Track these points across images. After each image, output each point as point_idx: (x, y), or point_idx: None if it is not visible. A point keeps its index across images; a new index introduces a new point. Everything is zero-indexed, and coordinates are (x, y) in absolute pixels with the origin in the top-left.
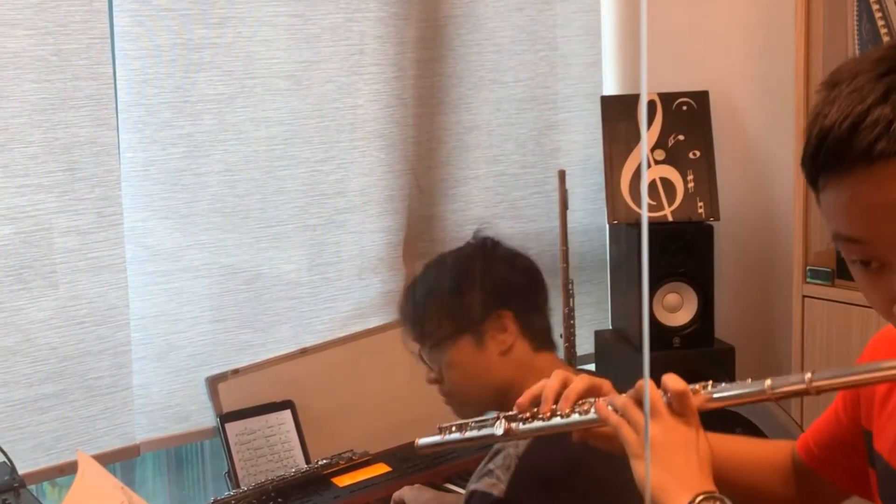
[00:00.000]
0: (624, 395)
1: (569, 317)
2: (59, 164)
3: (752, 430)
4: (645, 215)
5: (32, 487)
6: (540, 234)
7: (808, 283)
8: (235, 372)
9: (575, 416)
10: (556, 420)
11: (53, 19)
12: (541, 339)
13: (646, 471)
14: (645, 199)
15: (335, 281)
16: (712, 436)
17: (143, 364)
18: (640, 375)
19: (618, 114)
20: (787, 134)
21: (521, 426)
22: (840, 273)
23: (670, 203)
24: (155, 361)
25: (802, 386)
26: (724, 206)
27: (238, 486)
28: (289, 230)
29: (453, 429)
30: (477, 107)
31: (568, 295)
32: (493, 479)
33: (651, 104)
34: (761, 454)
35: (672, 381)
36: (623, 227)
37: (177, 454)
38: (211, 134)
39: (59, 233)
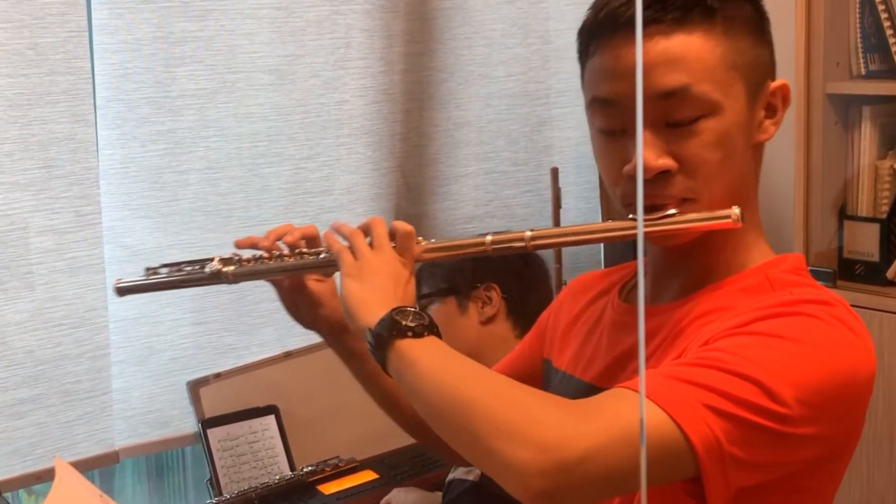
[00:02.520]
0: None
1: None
2: (35, 162)
3: None
4: (640, 214)
5: (8, 495)
6: None
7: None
8: (218, 376)
9: (294, 260)
10: (273, 263)
11: (29, 12)
12: (525, 327)
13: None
14: (640, 197)
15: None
16: None
17: (122, 368)
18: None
19: None
20: (786, 131)
21: (235, 268)
22: (842, 274)
23: None
24: (135, 365)
25: (521, 244)
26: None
27: (220, 494)
28: None
29: (160, 269)
30: (467, 102)
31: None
32: (468, 465)
33: None
34: None
35: (401, 223)
36: None
37: (157, 461)
38: (192, 130)
39: (36, 232)
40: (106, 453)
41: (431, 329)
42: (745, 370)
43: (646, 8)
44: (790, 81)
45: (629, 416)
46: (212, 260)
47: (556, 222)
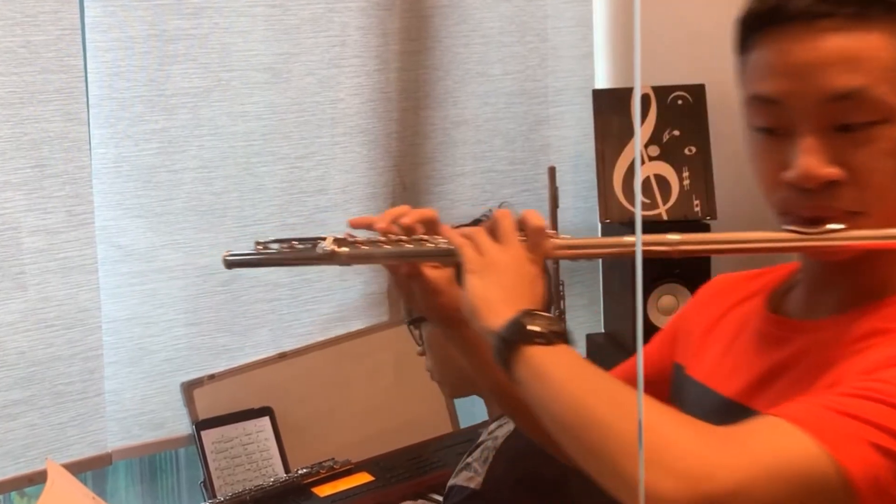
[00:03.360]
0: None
1: (559, 320)
2: (28, 161)
3: None
4: (639, 214)
5: (0, 497)
6: None
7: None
8: (212, 377)
9: (412, 246)
10: (389, 248)
11: (22, 9)
12: None
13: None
14: (639, 197)
15: (316, 282)
16: None
17: (115, 369)
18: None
19: (610, 108)
20: None
21: (350, 250)
22: None
23: (665, 201)
24: (128, 366)
25: (666, 248)
26: (722, 204)
27: (214, 496)
28: (267, 229)
29: (272, 246)
30: (464, 101)
31: (559, 297)
32: (470, 472)
33: (645, 98)
34: None
35: (532, 215)
36: (616, 227)
37: (150, 463)
38: (186, 129)
39: (28, 232)
40: (99, 455)
41: (563, 336)
42: None
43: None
44: None
45: (783, 449)
46: (324, 239)
47: (554, 222)
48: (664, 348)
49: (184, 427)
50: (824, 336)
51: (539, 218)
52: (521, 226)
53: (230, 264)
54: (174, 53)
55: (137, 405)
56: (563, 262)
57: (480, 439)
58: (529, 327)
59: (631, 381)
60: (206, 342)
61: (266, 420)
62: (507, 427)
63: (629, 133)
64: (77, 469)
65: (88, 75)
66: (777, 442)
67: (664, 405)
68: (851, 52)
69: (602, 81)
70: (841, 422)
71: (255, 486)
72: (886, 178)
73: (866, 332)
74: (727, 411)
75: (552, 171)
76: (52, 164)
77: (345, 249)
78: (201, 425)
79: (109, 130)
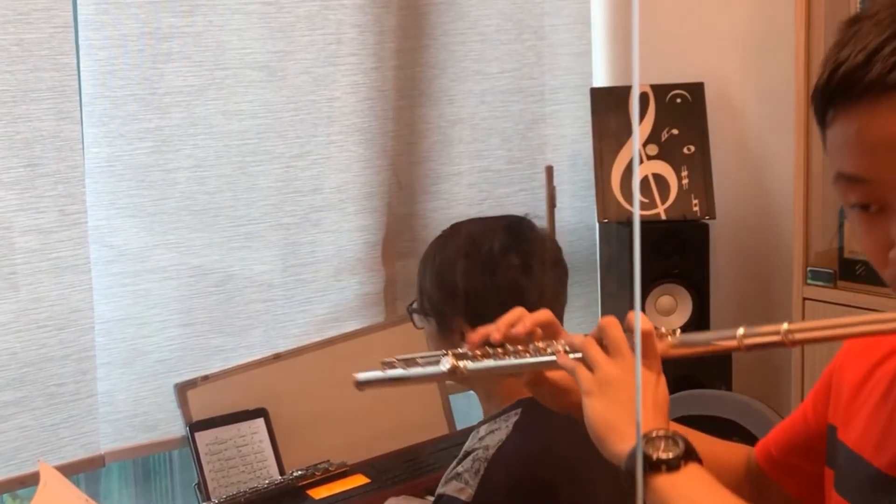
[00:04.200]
0: (584, 335)
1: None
2: (20, 160)
3: (749, 439)
4: (637, 213)
5: None
6: None
7: (808, 284)
8: (205, 378)
9: (528, 358)
10: (509, 360)
11: (14, 7)
12: None
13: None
14: (637, 196)
15: (311, 283)
16: (677, 426)
17: (108, 370)
18: None
19: (608, 107)
20: (786, 128)
21: (470, 364)
22: (842, 274)
23: (663, 201)
24: (121, 367)
25: (778, 337)
26: (721, 203)
27: (208, 499)
28: (262, 229)
29: (396, 363)
30: (460, 99)
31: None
32: (461, 483)
33: (643, 96)
34: (719, 453)
35: (641, 322)
36: (614, 226)
37: (144, 465)
38: (180, 128)
39: (20, 232)
40: (92, 457)
41: (688, 456)
42: None
43: (891, 68)
44: (789, 77)
45: None
46: (446, 354)
47: (551, 222)
48: (818, 407)
49: (177, 428)
50: None
51: (648, 322)
52: (630, 331)
53: (361, 386)
54: (168, 51)
55: (131, 406)
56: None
57: (471, 446)
58: (652, 455)
59: (785, 442)
60: (200, 343)
61: (260, 421)
62: (499, 435)
63: (627, 132)
64: (70, 471)
65: (81, 73)
66: None
67: None
68: None
69: (600, 79)
70: None
71: (250, 489)
72: None
73: None
74: (879, 484)
75: (549, 171)
76: (45, 163)
77: (466, 363)
78: (195, 427)
79: (102, 129)
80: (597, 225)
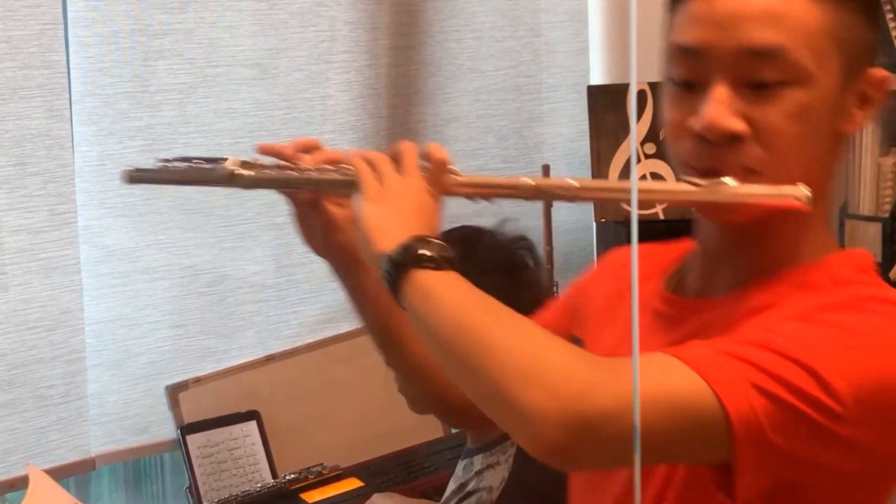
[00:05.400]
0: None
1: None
2: (9, 159)
3: None
4: (635, 213)
5: None
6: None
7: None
8: (197, 380)
9: (313, 175)
10: (293, 174)
11: (2, 4)
12: None
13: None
14: (635, 195)
15: (304, 283)
16: None
17: (98, 372)
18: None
19: (606, 105)
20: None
21: (255, 173)
22: None
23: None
24: (111, 369)
25: (566, 192)
26: None
27: (200, 502)
28: (254, 229)
29: (176, 163)
30: (455, 97)
31: (552, 298)
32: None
33: (641, 94)
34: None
35: (436, 149)
36: (611, 226)
37: (135, 468)
38: (171, 126)
39: (9, 231)
40: (82, 460)
41: (453, 262)
42: (801, 357)
43: None
44: None
45: (665, 380)
46: (227, 161)
47: (548, 221)
48: (560, 318)
49: (169, 431)
50: (718, 314)
51: (442, 151)
52: (425, 158)
53: (132, 179)
54: (159, 49)
55: (121, 409)
56: (555, 262)
57: (472, 485)
58: (420, 251)
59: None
60: (192, 344)
61: (253, 424)
62: (500, 472)
63: (625, 130)
64: (59, 474)
65: (71, 71)
66: (660, 373)
67: (554, 335)
68: (775, 9)
69: (597, 77)
70: (726, 361)
71: (242, 492)
72: (788, 141)
73: (759, 304)
74: None
75: (546, 170)
76: (34, 162)
77: (248, 172)
78: (186, 429)
79: (93, 128)
80: (594, 225)
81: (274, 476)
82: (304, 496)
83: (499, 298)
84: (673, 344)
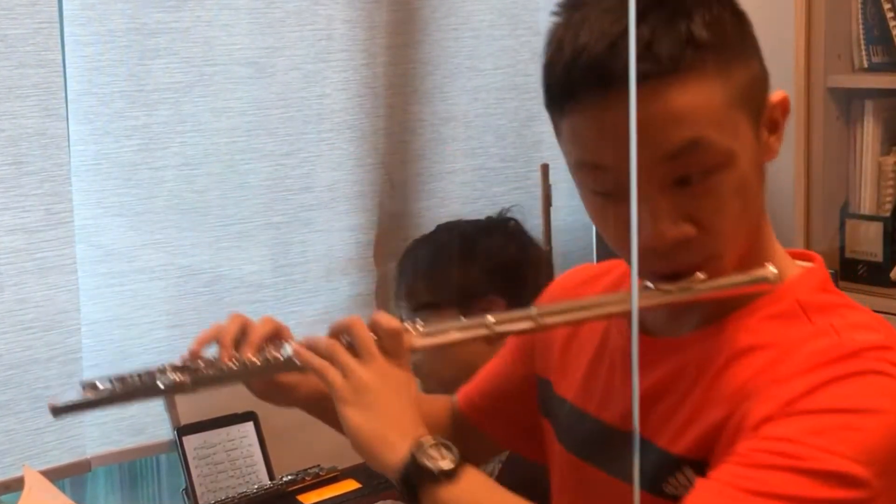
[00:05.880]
0: (324, 336)
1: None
2: (5, 158)
3: None
4: (634, 213)
5: None
6: None
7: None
8: None
9: (261, 364)
10: (236, 369)
11: None
12: None
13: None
14: (633, 195)
15: (301, 283)
16: None
17: (95, 372)
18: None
19: None
20: (786, 126)
21: (192, 377)
22: (844, 275)
23: None
24: (108, 370)
25: (530, 324)
26: None
27: None
28: (251, 228)
29: (102, 385)
30: (453, 96)
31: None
32: None
33: None
34: (424, 407)
35: (384, 318)
36: None
37: (131, 469)
38: (167, 125)
39: (5, 231)
40: (77, 461)
41: (463, 460)
42: (822, 465)
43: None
44: (789, 74)
45: None
46: (164, 371)
47: (547, 221)
48: (522, 355)
49: (165, 432)
50: (695, 352)
51: (391, 319)
52: (374, 332)
53: (57, 412)
54: (155, 47)
55: (117, 410)
56: (554, 263)
57: None
58: (429, 464)
59: (494, 394)
60: (188, 344)
61: (250, 425)
62: (492, 470)
63: None
64: (55, 476)
65: (67, 70)
66: None
67: None
68: (677, 107)
69: None
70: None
71: (239, 494)
72: (733, 219)
73: (739, 347)
74: (610, 438)
75: (545, 169)
76: (30, 162)
77: (186, 377)
78: (183, 431)
79: (89, 127)
80: (593, 225)
81: (271, 477)
82: (301, 498)
83: (501, 294)
84: (653, 387)
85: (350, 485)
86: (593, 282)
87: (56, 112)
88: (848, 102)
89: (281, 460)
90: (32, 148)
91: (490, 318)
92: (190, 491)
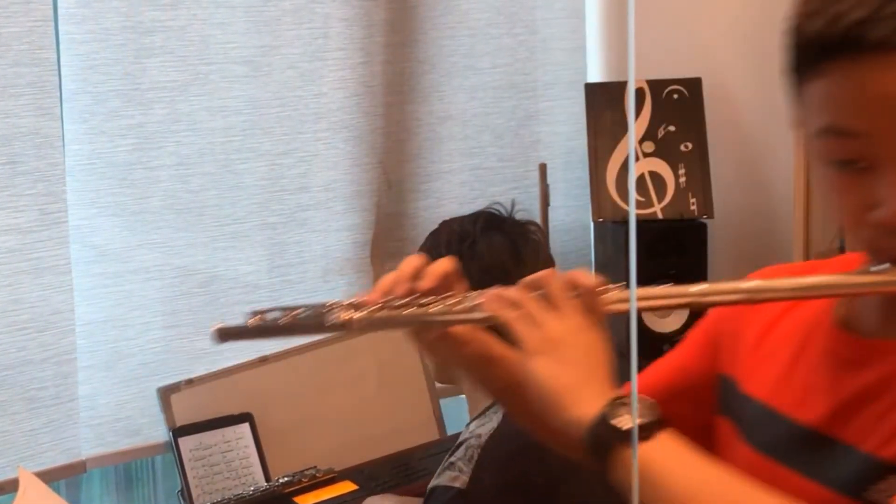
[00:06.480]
0: (514, 287)
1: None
2: None
3: None
4: (632, 212)
5: None
6: None
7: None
8: (189, 382)
9: (439, 308)
10: (412, 312)
11: None
12: None
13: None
14: (633, 194)
15: (298, 283)
16: None
17: (89, 373)
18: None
19: (603, 103)
20: (786, 125)
21: (364, 314)
22: None
23: (660, 199)
24: (102, 371)
25: (741, 296)
26: (719, 202)
27: None
28: (247, 228)
29: (268, 315)
30: (451, 95)
31: None
32: (454, 471)
33: (639, 92)
34: None
35: (583, 275)
36: (609, 226)
37: (126, 471)
38: (163, 124)
39: None
40: (72, 463)
41: (661, 421)
42: None
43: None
44: None
45: None
46: (333, 306)
47: (545, 221)
48: (702, 356)
49: (160, 434)
50: None
51: (591, 277)
52: (572, 287)
53: (223, 336)
54: (151, 46)
55: (112, 411)
56: (555, 263)
57: (462, 437)
58: (618, 423)
59: (664, 391)
60: (184, 345)
61: (246, 427)
62: (490, 424)
63: (623, 128)
64: (50, 477)
65: (62, 69)
66: None
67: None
68: None
69: (594, 75)
70: None
71: (235, 496)
72: None
73: None
74: (807, 440)
75: (543, 168)
76: (24, 161)
77: (359, 314)
78: (179, 432)
79: (83, 126)
80: (591, 224)
81: (267, 479)
82: (297, 499)
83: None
84: (862, 390)
85: (346, 486)
86: (817, 270)
87: (50, 111)
88: None
89: (277, 462)
90: (26, 147)
91: (698, 287)
92: (185, 493)
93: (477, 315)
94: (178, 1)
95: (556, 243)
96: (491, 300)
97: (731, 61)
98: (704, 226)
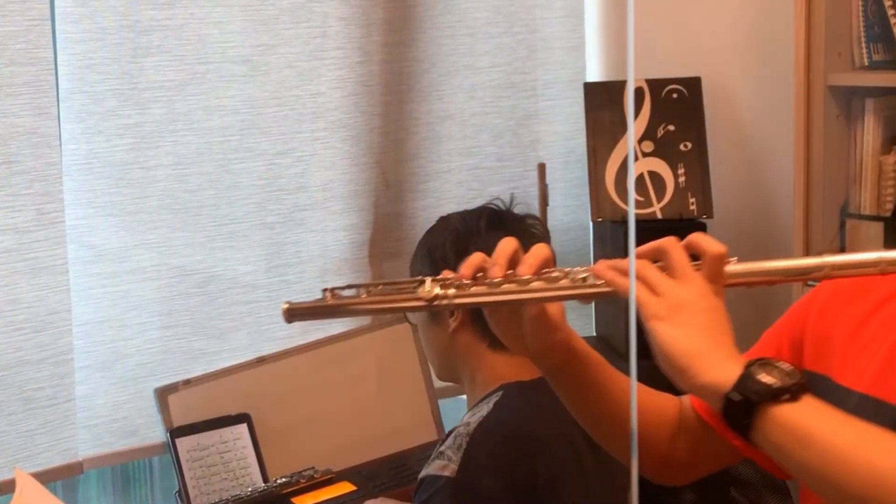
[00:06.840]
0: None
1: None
2: None
3: None
4: (632, 212)
5: None
6: None
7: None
8: (187, 382)
9: (539, 284)
10: (510, 289)
11: None
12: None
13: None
14: (632, 194)
15: (295, 283)
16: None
17: (86, 374)
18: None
19: (602, 102)
20: (786, 124)
21: (458, 292)
22: None
23: (659, 199)
24: (99, 371)
25: (872, 269)
26: (718, 202)
27: None
28: (245, 228)
29: (344, 293)
30: (449, 94)
31: None
32: (444, 460)
33: (638, 91)
34: (647, 400)
35: (708, 241)
36: (608, 225)
37: (123, 472)
38: (160, 124)
39: None
40: (69, 464)
41: (803, 385)
42: None
43: None
44: (789, 72)
45: None
46: (423, 282)
47: (543, 221)
48: (788, 355)
49: (158, 434)
50: None
51: (717, 243)
52: (696, 252)
53: (292, 316)
54: (148, 45)
55: (109, 411)
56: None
57: (451, 427)
58: (769, 382)
59: None
60: (182, 346)
61: (244, 427)
62: (480, 414)
63: (622, 128)
64: (47, 478)
65: (59, 68)
66: None
67: None
68: None
69: (593, 74)
70: None
71: (233, 496)
72: None
73: None
74: None
75: (542, 168)
76: (21, 161)
77: (451, 290)
78: (176, 433)
79: (80, 125)
80: (590, 224)
81: (265, 480)
82: (295, 500)
83: None
84: None
85: (345, 487)
86: (879, 278)
87: (47, 111)
88: (848, 101)
89: (275, 462)
90: (23, 147)
91: (826, 259)
92: (183, 494)
93: (593, 289)
94: (175, 0)
95: (555, 243)
96: (602, 268)
97: (731, 61)
98: (704, 226)
